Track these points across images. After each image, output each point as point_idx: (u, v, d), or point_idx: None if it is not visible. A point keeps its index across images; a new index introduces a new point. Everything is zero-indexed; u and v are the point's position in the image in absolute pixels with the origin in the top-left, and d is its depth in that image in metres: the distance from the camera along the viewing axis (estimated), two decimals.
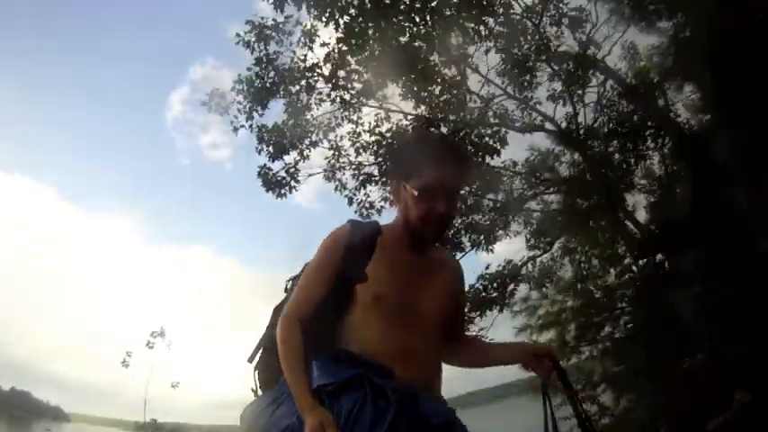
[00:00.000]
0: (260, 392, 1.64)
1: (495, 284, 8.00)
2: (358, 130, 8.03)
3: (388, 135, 7.82)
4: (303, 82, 7.47)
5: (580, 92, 7.94)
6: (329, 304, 1.48)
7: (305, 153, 7.81)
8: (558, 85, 7.99)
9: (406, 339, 1.45)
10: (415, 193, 1.48)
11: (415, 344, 1.46)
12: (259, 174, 7.62)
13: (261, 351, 1.65)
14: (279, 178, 7.63)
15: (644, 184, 8.60)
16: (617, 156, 8.07)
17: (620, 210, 7.65)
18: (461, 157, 1.67)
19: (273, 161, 7.60)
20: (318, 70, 7.57)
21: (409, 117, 7.96)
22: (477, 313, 7.91)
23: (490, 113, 8.25)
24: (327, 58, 7.47)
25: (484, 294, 7.92)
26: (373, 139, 7.90)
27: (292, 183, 7.68)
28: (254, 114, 7.48)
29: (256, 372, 1.65)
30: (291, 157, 7.74)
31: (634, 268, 7.49)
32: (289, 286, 1.65)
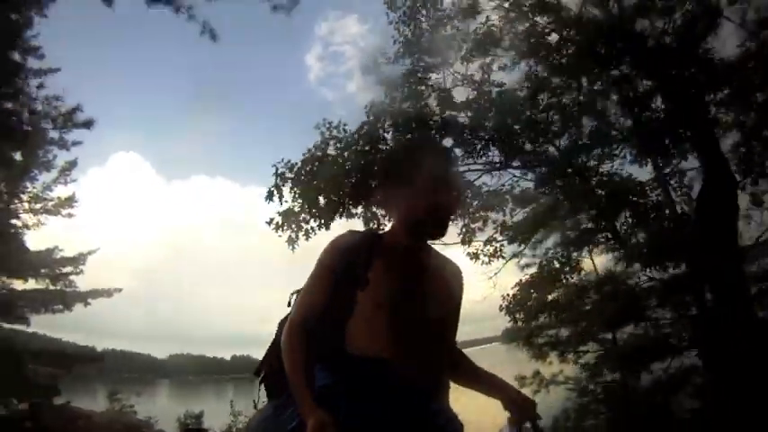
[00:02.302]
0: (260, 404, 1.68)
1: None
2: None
3: None
4: None
5: None
6: (332, 310, 1.49)
7: None
8: None
9: (408, 345, 1.45)
10: (420, 189, 1.49)
11: (418, 350, 1.46)
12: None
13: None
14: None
15: None
16: None
17: None
18: (454, 158, 1.76)
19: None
20: None
21: None
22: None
23: None
24: None
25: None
26: None
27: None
28: None
29: (262, 384, 1.68)
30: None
31: None
32: (292, 300, 1.68)
